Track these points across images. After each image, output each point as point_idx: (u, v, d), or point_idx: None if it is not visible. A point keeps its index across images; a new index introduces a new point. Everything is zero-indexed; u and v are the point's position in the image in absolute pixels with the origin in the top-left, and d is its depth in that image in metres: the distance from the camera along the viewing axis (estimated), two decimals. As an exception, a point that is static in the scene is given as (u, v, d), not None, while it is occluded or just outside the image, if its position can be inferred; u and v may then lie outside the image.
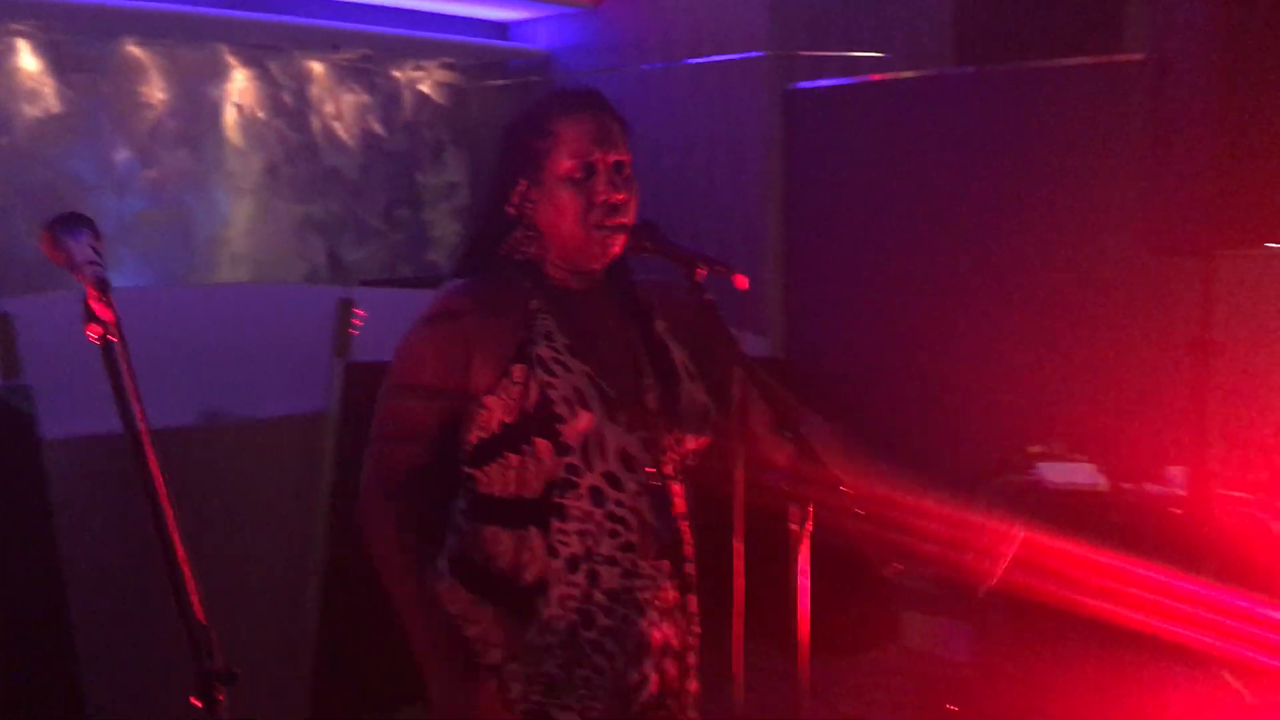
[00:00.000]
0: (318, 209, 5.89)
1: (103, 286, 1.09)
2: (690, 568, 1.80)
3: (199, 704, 0.99)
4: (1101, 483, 3.69)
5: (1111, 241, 4.10)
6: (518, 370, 1.69)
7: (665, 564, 1.76)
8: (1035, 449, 3.98)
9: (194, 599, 0.99)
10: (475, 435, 1.72)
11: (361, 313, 3.63)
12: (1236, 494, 3.61)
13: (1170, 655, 3.17)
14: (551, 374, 1.69)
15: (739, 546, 1.66)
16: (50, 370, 3.09)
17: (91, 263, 1.14)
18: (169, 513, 1.01)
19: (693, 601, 1.82)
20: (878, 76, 4.95)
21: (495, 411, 1.70)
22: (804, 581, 1.64)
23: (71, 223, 1.20)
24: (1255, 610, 3.20)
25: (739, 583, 1.70)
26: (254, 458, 3.55)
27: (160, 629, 3.12)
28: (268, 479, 3.58)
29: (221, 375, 3.52)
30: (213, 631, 1.01)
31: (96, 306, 1.08)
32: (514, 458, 1.70)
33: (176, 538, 1.00)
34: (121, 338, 1.06)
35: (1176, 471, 3.54)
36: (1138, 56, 3.56)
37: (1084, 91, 4.32)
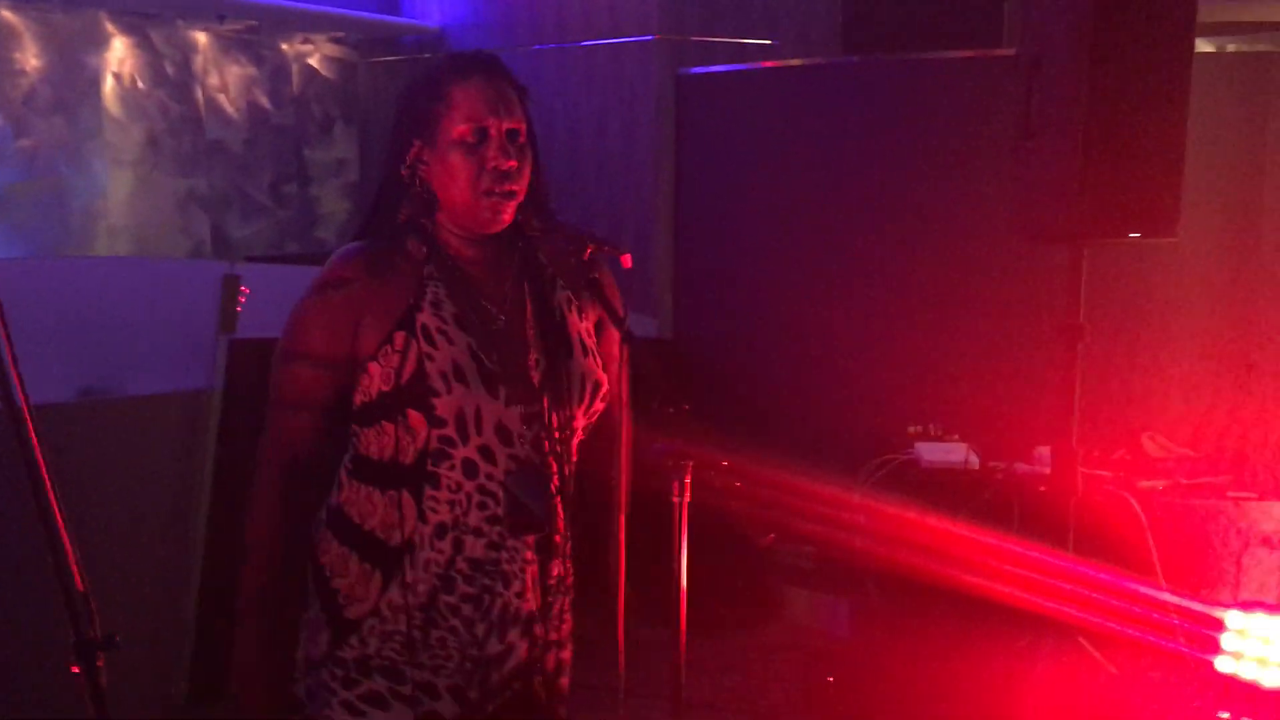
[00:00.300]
0: (201, 183, 5.75)
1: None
2: (560, 540, 1.81)
3: (78, 670, 0.99)
4: (974, 461, 3.84)
5: (986, 230, 4.25)
6: (399, 338, 1.69)
7: (534, 539, 1.77)
8: (913, 429, 4.12)
9: (74, 568, 0.99)
10: (358, 399, 1.74)
11: (246, 290, 3.58)
12: (1099, 472, 3.79)
13: (1037, 627, 3.32)
14: (433, 344, 1.70)
15: (622, 520, 1.70)
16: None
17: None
18: (48, 482, 1.01)
19: (560, 575, 1.83)
20: (767, 64, 5.03)
21: (374, 379, 1.71)
22: (681, 550, 1.69)
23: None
24: (1116, 583, 3.37)
25: (620, 556, 1.75)
26: (135, 435, 3.48)
27: (35, 608, 3.05)
28: (150, 456, 3.51)
29: (101, 350, 3.44)
30: (92, 600, 1.01)
31: (-27, 275, 1.07)
32: (389, 425, 1.71)
33: (56, 507, 1.00)
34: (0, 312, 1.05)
35: (1044, 451, 3.70)
36: (1012, 52, 3.69)
37: (962, 84, 4.46)
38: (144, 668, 3.53)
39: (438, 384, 1.69)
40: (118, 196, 5.43)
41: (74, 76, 5.24)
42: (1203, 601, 3.38)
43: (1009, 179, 3.51)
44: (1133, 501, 3.56)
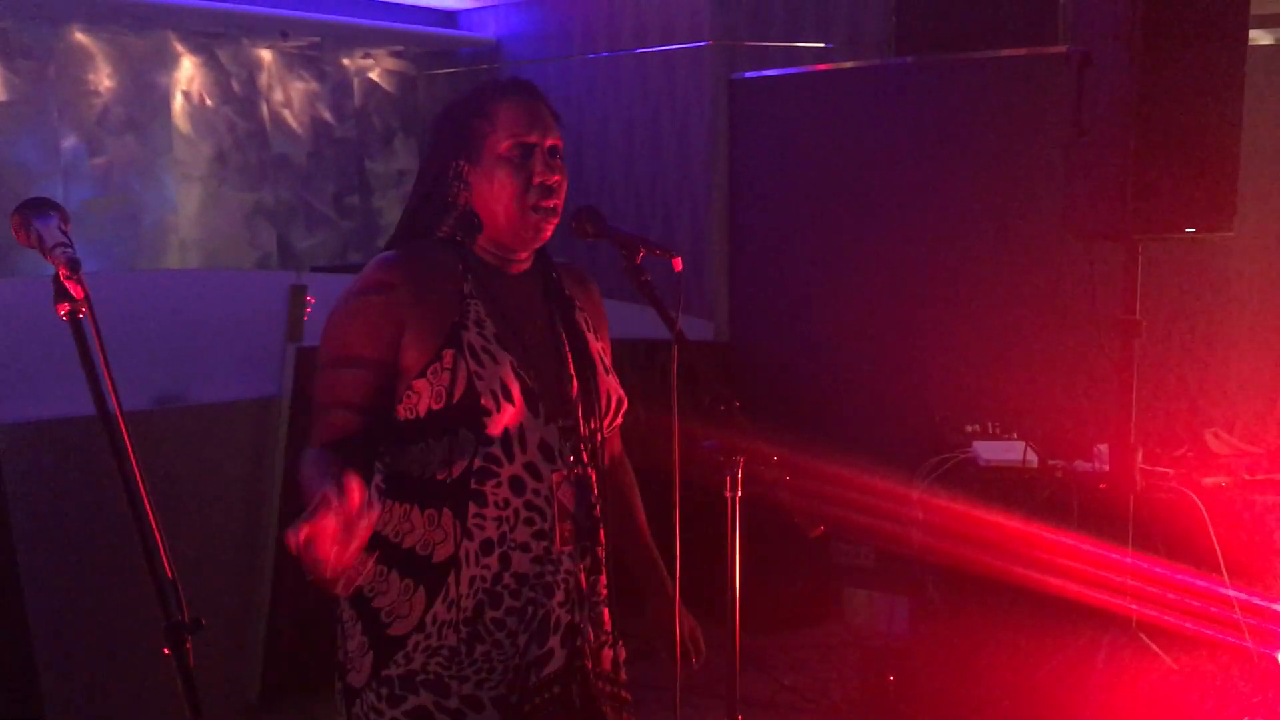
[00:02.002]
0: (267, 196, 5.90)
1: (74, 266, 1.15)
2: (602, 551, 1.84)
3: (168, 652, 1.06)
4: (1032, 459, 3.82)
5: (1041, 227, 4.23)
6: (448, 355, 1.70)
7: (580, 548, 1.80)
8: (971, 428, 4.11)
9: (164, 556, 1.06)
10: (402, 414, 1.73)
11: (311, 299, 3.67)
12: (1162, 469, 3.76)
13: (1098, 623, 3.31)
14: (480, 364, 1.72)
15: (676, 519, 1.75)
16: None
17: (61, 244, 1.20)
18: (138, 474, 1.08)
19: (603, 583, 1.86)
20: (820, 66, 5.05)
21: (423, 396, 1.71)
22: (733, 543, 1.73)
23: (40, 207, 1.26)
24: (1177, 578, 3.35)
25: (677, 556, 1.79)
26: (207, 441, 3.59)
27: (113, 605, 3.16)
28: (220, 462, 3.62)
29: (174, 360, 3.55)
30: (179, 586, 1.08)
31: (69, 285, 1.14)
32: (435, 444, 1.73)
33: (146, 498, 1.08)
34: (92, 314, 1.13)
35: (1104, 448, 3.68)
36: (1064, 49, 3.69)
37: (1015, 82, 4.45)
38: (216, 669, 3.63)
39: (488, 402, 1.70)
40: (188, 211, 5.59)
41: (145, 95, 5.41)
42: (1267, 597, 3.35)
43: (1063, 177, 3.51)
44: (1195, 498, 3.53)
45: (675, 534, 1.77)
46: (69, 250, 1.17)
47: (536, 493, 1.75)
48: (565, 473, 1.77)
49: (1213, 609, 3.31)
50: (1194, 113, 3.09)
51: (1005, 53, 4.51)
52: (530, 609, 1.77)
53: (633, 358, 3.53)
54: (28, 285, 3.78)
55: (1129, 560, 3.26)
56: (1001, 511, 3.64)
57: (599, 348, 1.91)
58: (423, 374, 1.71)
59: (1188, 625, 3.32)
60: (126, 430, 1.13)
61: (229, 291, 4.23)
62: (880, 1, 5.40)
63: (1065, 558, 3.45)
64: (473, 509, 1.73)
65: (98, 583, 3.23)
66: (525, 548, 1.75)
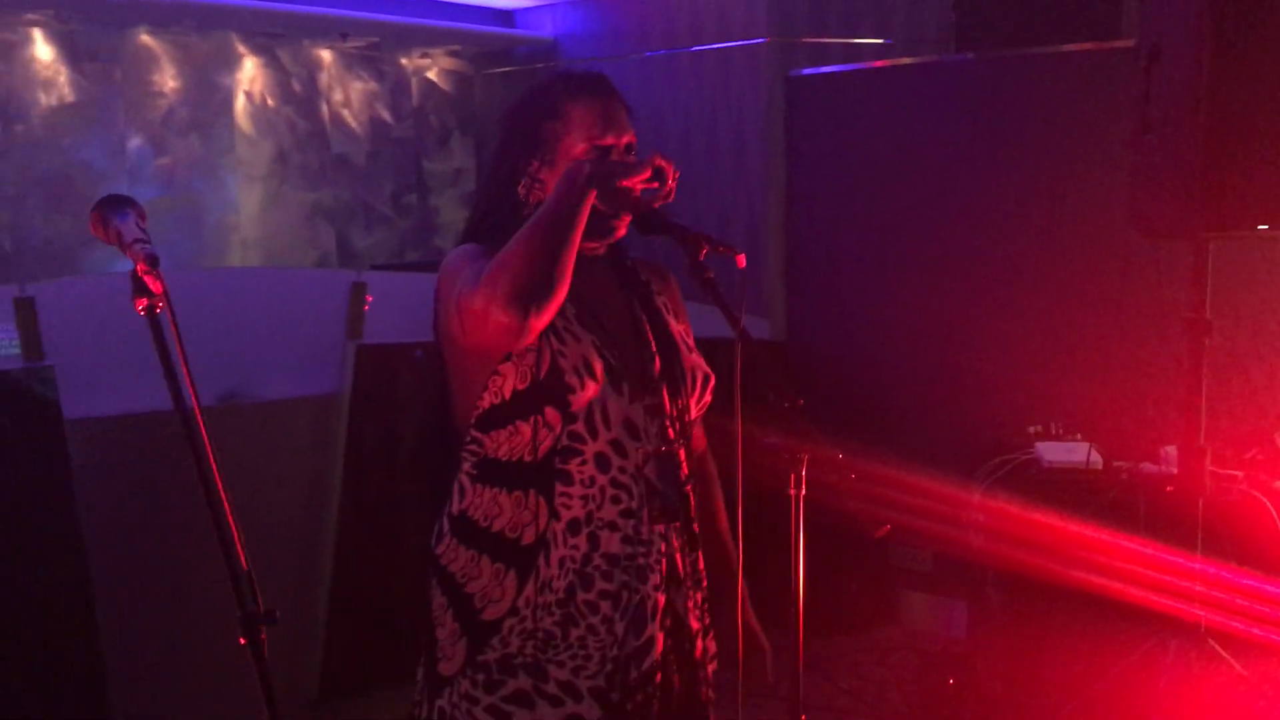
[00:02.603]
0: (327, 195, 5.97)
1: (153, 261, 1.17)
2: (697, 527, 1.85)
3: (244, 642, 1.07)
4: (1097, 461, 3.76)
5: (1107, 224, 4.17)
6: None
7: (673, 527, 1.80)
8: (1033, 429, 4.05)
9: (239, 549, 1.08)
10: (487, 401, 1.76)
11: (370, 297, 3.71)
12: (1231, 472, 3.68)
13: (1163, 628, 3.25)
14: (563, 342, 1.74)
15: (740, 519, 1.73)
16: (70, 352, 3.18)
17: (139, 240, 1.21)
18: (216, 472, 1.10)
19: (700, 561, 1.86)
20: (879, 63, 5.01)
21: (509, 378, 1.73)
22: (798, 542, 1.71)
23: (118, 204, 1.29)
24: (1244, 583, 3.28)
25: (740, 555, 1.77)
26: (269, 438, 3.63)
27: (180, 600, 3.21)
28: (283, 459, 3.66)
29: (238, 358, 3.60)
30: (254, 577, 1.09)
31: (148, 280, 1.16)
32: (523, 425, 1.74)
33: (222, 491, 1.09)
34: (171, 309, 1.14)
35: (1171, 450, 3.61)
36: (1131, 43, 3.62)
37: (1080, 77, 4.38)
38: (277, 664, 3.67)
39: (572, 379, 1.72)
40: (249, 210, 5.67)
41: (208, 96, 5.49)
42: (1339, 604, 3.27)
43: (1128, 174, 3.45)
44: (1265, 501, 3.46)
45: (739, 534, 1.76)
46: (148, 246, 1.19)
47: (622, 470, 1.76)
48: (652, 450, 1.77)
49: (1285, 615, 3.24)
50: (1265, 108, 3.02)
51: (1068, 48, 4.44)
52: (625, 593, 1.77)
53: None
54: (94, 283, 3.84)
55: (1196, 565, 3.20)
56: (1065, 514, 3.59)
57: (680, 329, 1.91)
58: (508, 358, 1.72)
59: (1257, 631, 3.25)
60: (190, 430, 1.14)
61: (290, 290, 4.28)
62: (939, -3, 5.36)
63: (1129, 562, 3.39)
64: (559, 488, 1.75)
65: (166, 578, 3.28)
66: (614, 526, 1.76)
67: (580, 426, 1.74)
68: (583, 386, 1.73)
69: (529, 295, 1.60)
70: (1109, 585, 3.37)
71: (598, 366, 1.74)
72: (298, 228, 5.84)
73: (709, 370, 1.89)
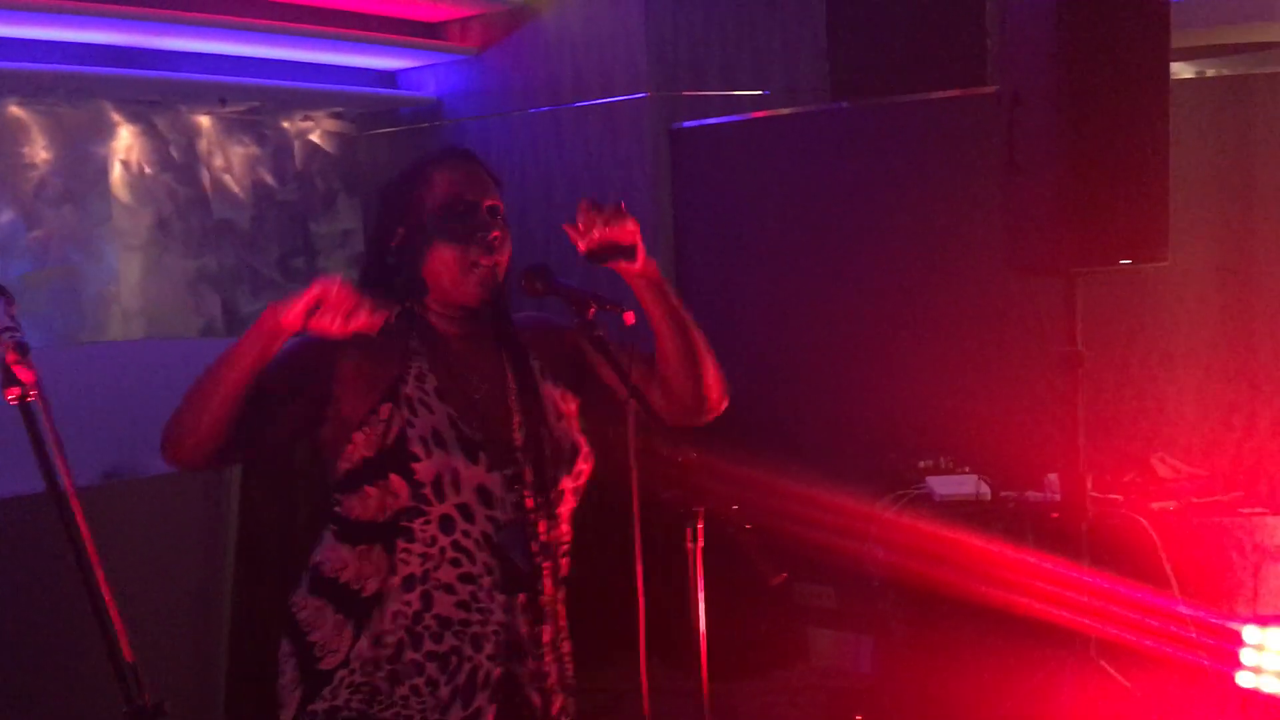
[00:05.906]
0: (211, 262, 5.85)
1: (22, 350, 1.15)
2: (545, 601, 1.83)
3: (132, 737, 1.04)
4: (985, 492, 3.87)
5: (983, 263, 4.31)
6: (385, 409, 1.78)
7: (518, 599, 1.81)
8: (924, 464, 4.15)
9: (123, 640, 1.05)
10: (343, 466, 1.82)
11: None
12: (1111, 496, 3.82)
13: (1057, 647, 3.34)
14: (414, 413, 1.78)
15: (639, 571, 1.75)
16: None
17: (8, 329, 1.19)
18: (95, 560, 1.07)
19: (546, 633, 1.85)
20: (758, 114, 5.13)
21: (359, 446, 1.79)
22: (697, 597, 1.73)
23: (-14, 292, 1.26)
24: (1134, 597, 3.40)
25: (640, 606, 1.79)
26: (158, 514, 3.53)
27: (81, 682, 3.08)
28: (173, 534, 3.56)
29: (122, 433, 3.50)
30: (140, 670, 1.07)
31: (17, 369, 1.14)
32: (370, 490, 1.79)
33: (104, 584, 1.06)
34: (42, 397, 1.12)
35: (1054, 478, 3.73)
36: (994, 90, 3.78)
37: (950, 123, 4.55)
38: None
39: (417, 449, 1.76)
40: (130, 280, 5.52)
41: (82, 166, 5.36)
42: (1220, 616, 3.40)
43: (1000, 213, 3.58)
44: (1144, 523, 3.59)
45: (639, 586, 1.77)
46: (17, 334, 1.17)
47: (466, 534, 1.78)
48: (504, 518, 1.78)
49: (1171, 627, 3.35)
50: (1122, 147, 3.17)
51: (937, 95, 4.61)
52: (455, 658, 1.78)
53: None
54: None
55: (1088, 577, 3.30)
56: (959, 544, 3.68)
57: (556, 395, 1.92)
58: (361, 426, 1.78)
59: (1146, 644, 3.36)
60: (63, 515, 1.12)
61: (175, 360, 4.17)
62: (813, 49, 5.50)
63: (1023, 574, 3.48)
64: (400, 544, 1.78)
65: (52, 667, 3.15)
66: (449, 589, 1.78)
67: (428, 491, 1.77)
68: (428, 455, 1.76)
69: (172, 439, 1.77)
70: (1006, 598, 3.45)
71: (448, 437, 1.77)
72: (181, 296, 5.71)
73: (578, 440, 1.91)
